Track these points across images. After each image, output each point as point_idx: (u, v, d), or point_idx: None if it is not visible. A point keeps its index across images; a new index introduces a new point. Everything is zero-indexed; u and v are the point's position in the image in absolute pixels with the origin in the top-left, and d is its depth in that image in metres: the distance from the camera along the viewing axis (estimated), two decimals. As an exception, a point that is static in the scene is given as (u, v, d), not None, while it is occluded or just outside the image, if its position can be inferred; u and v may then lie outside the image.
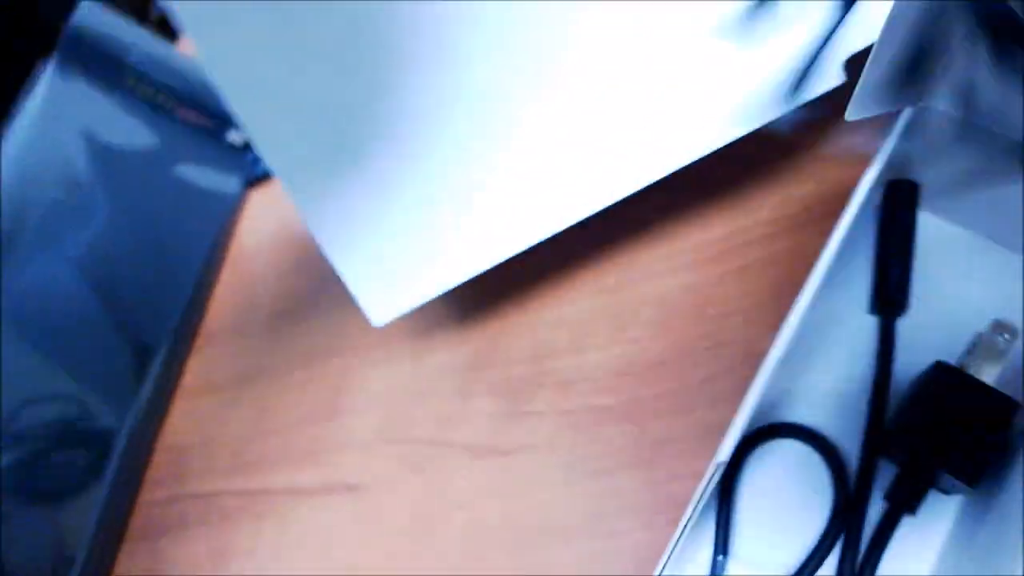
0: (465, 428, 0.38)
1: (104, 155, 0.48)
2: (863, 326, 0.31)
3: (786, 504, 0.30)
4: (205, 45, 0.31)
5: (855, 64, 0.28)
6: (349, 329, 0.44)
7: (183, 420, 0.46)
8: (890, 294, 0.30)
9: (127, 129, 0.51)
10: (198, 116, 0.55)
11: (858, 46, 0.29)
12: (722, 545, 0.30)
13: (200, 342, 0.49)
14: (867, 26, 0.29)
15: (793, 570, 0.28)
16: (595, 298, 0.38)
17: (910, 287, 0.30)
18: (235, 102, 0.31)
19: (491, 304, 0.40)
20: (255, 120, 0.32)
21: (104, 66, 0.49)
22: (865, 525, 0.28)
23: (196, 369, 0.48)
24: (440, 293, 0.34)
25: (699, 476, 0.32)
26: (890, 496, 0.27)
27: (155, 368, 0.46)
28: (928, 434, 0.26)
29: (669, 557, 0.25)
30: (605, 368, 0.36)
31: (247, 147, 0.53)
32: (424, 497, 0.37)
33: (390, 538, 0.37)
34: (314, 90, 0.32)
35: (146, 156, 0.51)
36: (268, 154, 0.32)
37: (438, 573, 0.35)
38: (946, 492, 0.27)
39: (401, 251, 0.34)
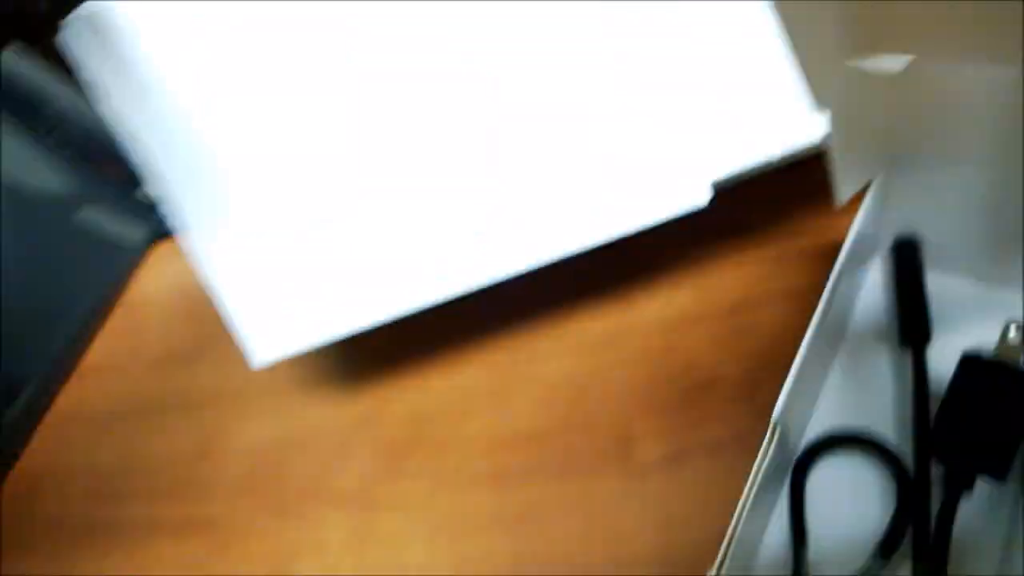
0: (338, 481, 0.39)
1: (11, 193, 0.49)
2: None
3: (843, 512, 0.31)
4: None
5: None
6: (234, 379, 0.44)
7: (47, 445, 0.45)
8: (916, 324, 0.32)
9: (38, 172, 0.52)
10: (113, 169, 0.56)
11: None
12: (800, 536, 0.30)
13: (79, 375, 0.48)
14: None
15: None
16: (482, 370, 0.40)
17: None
18: (140, 157, 0.34)
19: (376, 364, 0.42)
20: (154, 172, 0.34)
21: (23, 112, 0.51)
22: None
23: (70, 399, 0.47)
24: (325, 342, 0.35)
25: (559, 540, 0.34)
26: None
27: (24, 395, 0.46)
28: (960, 431, 0.28)
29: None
30: (483, 437, 0.38)
31: (157, 204, 0.55)
32: (282, 543, 0.38)
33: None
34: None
35: (53, 200, 0.52)
36: (164, 198, 0.34)
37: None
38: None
39: (292, 295, 0.36)
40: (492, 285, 0.35)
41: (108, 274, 0.52)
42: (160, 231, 0.54)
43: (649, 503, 0.35)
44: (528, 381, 0.40)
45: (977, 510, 0.29)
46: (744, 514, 0.28)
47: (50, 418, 0.47)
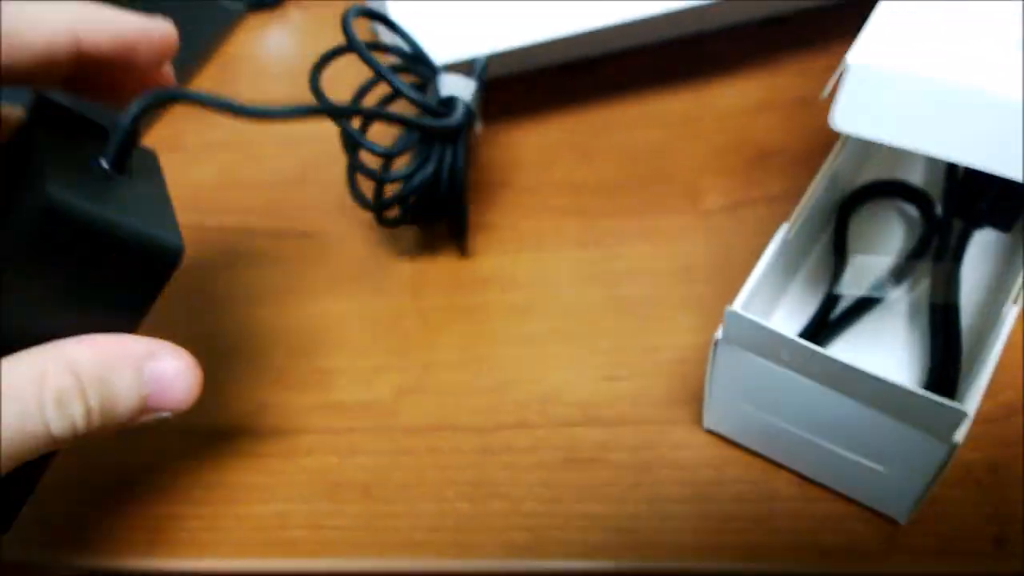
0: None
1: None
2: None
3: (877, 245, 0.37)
4: None
5: None
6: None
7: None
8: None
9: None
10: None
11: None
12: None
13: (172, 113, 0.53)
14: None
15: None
16: (566, 135, 0.46)
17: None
18: None
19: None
20: None
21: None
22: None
23: (165, 132, 0.51)
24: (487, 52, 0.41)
25: (633, 257, 0.40)
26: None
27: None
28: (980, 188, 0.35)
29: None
30: (567, 182, 0.44)
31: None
32: (378, 252, 0.43)
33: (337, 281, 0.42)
34: None
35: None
36: None
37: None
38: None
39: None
40: (582, 62, 0.41)
41: (208, 31, 0.56)
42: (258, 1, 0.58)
43: (712, 236, 0.41)
44: (609, 145, 0.45)
45: (982, 252, 0.36)
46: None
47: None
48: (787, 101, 0.45)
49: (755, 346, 0.27)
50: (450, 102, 0.37)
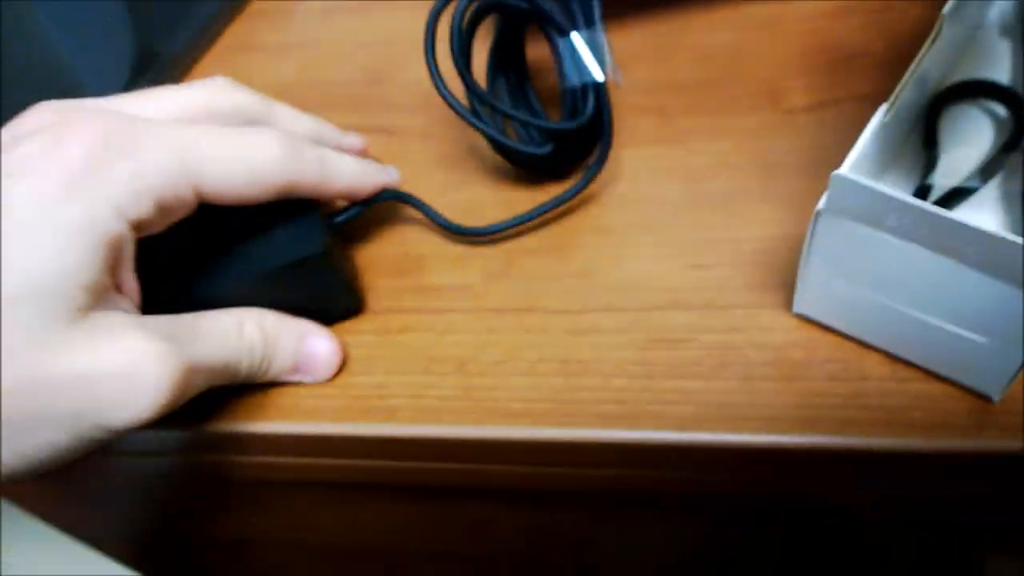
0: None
1: None
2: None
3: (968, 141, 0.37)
4: None
5: None
6: (408, 24, 0.49)
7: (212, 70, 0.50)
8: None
9: None
10: None
11: None
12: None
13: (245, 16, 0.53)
14: None
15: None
16: (645, 38, 0.46)
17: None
18: None
19: None
20: None
21: None
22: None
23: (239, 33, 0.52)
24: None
25: (713, 152, 0.40)
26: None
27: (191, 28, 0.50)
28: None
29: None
30: (645, 82, 0.44)
31: None
32: (458, 146, 0.43)
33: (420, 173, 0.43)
34: None
35: None
36: None
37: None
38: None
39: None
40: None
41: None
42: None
43: (796, 135, 0.41)
44: (688, 46, 0.46)
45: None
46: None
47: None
48: (870, 4, 0.45)
49: (861, 212, 0.27)
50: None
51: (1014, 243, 0.24)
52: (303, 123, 0.36)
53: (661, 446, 0.32)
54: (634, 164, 0.41)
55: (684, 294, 0.36)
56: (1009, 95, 0.37)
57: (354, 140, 0.39)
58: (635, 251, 0.37)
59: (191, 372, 0.28)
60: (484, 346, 0.35)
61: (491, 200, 0.41)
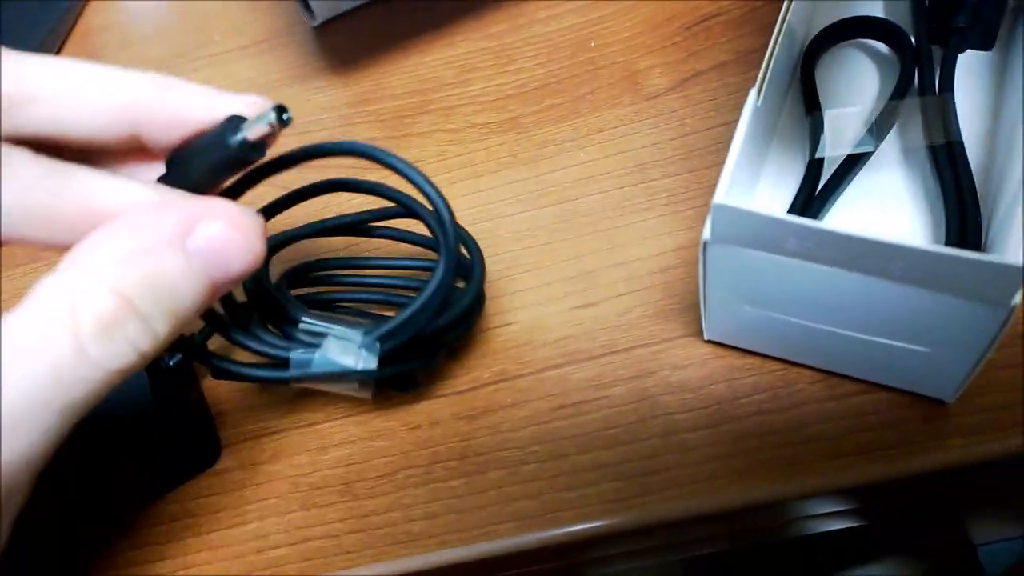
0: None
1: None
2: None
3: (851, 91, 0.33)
4: None
5: None
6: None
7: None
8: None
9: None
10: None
11: None
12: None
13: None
14: None
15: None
16: (481, 42, 0.41)
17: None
18: None
19: (370, 51, 0.42)
20: None
21: None
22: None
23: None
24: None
25: (579, 165, 0.35)
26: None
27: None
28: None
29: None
30: (490, 94, 0.39)
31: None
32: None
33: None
34: None
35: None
36: None
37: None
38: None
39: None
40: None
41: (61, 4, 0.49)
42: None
43: (664, 123, 0.36)
44: (529, 42, 0.40)
45: (968, 79, 0.32)
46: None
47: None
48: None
49: (752, 239, 0.23)
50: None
51: (943, 254, 0.20)
52: None
53: (588, 538, 0.27)
54: (496, 194, 0.36)
55: (580, 342, 0.31)
56: (888, 29, 0.33)
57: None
58: (516, 300, 0.33)
59: None
60: (369, 458, 0.30)
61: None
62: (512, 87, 0.39)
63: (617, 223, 0.33)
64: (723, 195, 0.23)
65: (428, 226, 0.26)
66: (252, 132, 0.22)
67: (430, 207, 0.26)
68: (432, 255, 0.32)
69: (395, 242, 0.32)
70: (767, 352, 0.28)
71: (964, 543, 0.41)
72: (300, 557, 0.29)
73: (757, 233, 0.23)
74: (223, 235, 0.22)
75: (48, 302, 0.20)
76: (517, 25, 0.41)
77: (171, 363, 0.30)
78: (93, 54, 0.47)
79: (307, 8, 0.42)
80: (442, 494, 0.29)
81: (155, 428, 0.29)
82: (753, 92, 0.27)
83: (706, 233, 0.24)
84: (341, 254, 0.34)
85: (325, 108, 0.41)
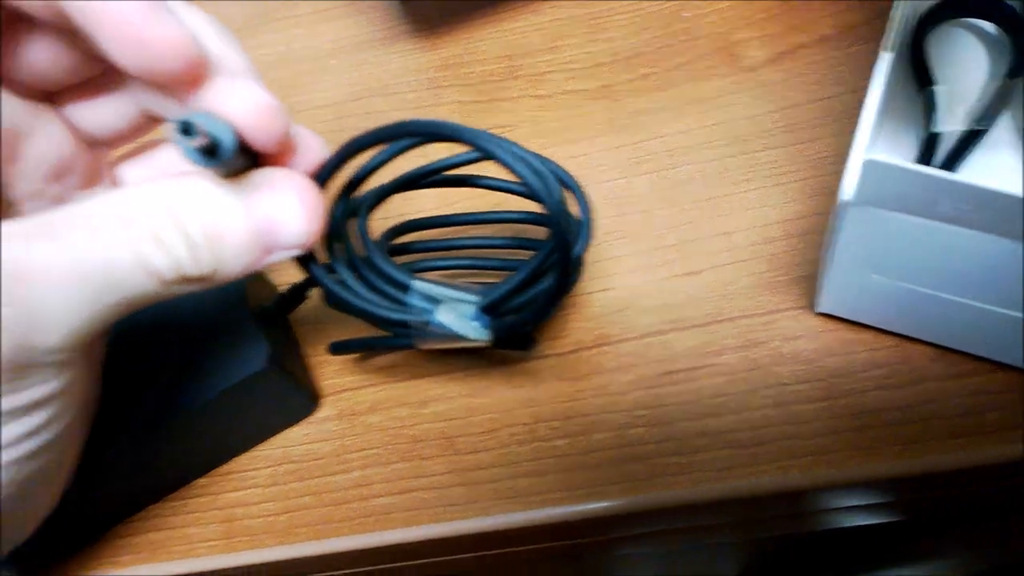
0: (435, 114, 0.39)
1: None
2: None
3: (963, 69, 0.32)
4: None
5: None
6: (303, 43, 0.43)
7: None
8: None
9: None
10: None
11: None
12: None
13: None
14: None
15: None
16: (570, 9, 0.40)
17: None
18: None
19: (458, 16, 0.41)
20: None
21: None
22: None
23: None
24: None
25: (676, 134, 0.35)
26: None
27: None
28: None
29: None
30: (581, 61, 0.39)
31: None
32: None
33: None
34: None
35: None
36: None
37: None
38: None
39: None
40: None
41: None
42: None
43: (763, 95, 0.36)
44: (619, 10, 0.40)
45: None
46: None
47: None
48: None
49: (901, 200, 0.23)
50: None
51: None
52: None
53: (695, 504, 0.27)
54: (592, 160, 0.35)
55: (684, 310, 0.31)
56: (1000, 9, 0.33)
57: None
58: (615, 266, 0.32)
59: (23, 282, 0.19)
60: (471, 414, 0.30)
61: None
62: (604, 55, 0.39)
63: (716, 193, 0.33)
64: (871, 151, 0.23)
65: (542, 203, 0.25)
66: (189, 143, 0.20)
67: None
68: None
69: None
70: (883, 326, 0.28)
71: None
72: (405, 507, 0.28)
73: (907, 194, 0.22)
74: (292, 204, 0.23)
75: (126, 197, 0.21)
76: (605, -8, 0.40)
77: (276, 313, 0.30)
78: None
79: (393, -30, 0.42)
80: (546, 453, 0.29)
81: (272, 383, 0.29)
82: (886, 55, 0.26)
83: (846, 194, 0.24)
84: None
85: (412, 71, 0.41)
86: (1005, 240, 0.22)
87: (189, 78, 0.21)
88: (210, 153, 0.20)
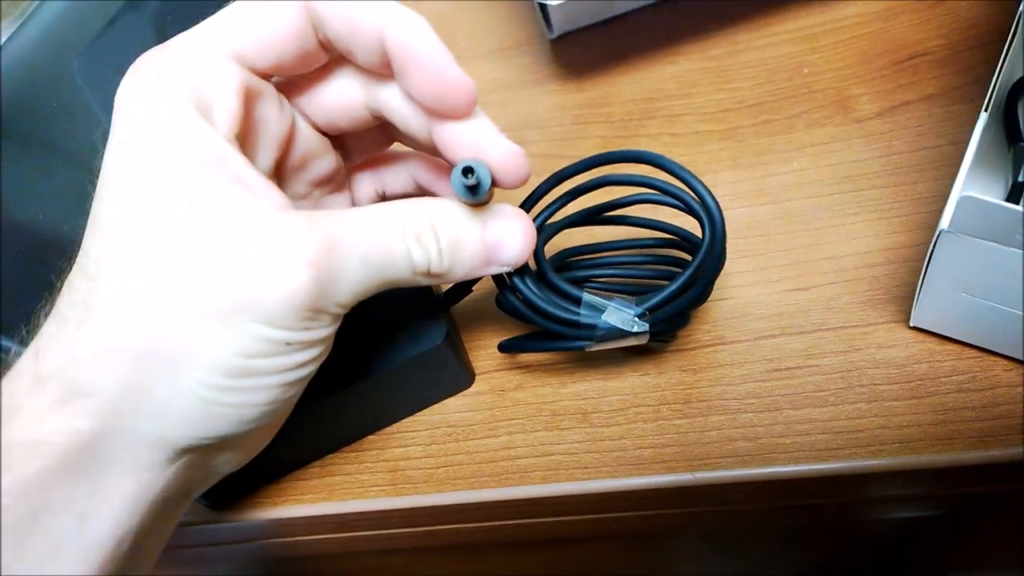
0: (575, 150, 0.45)
1: None
2: None
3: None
4: None
5: None
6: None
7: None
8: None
9: None
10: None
11: None
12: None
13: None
14: None
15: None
16: (701, 62, 0.46)
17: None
18: None
19: (601, 63, 0.48)
20: None
21: None
22: None
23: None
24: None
25: (792, 172, 0.40)
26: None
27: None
28: None
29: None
30: (710, 107, 0.45)
31: None
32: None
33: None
34: None
35: None
36: None
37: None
38: None
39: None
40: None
41: None
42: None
43: (871, 143, 0.41)
44: (746, 65, 0.46)
45: None
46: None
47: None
48: (917, 3, 0.45)
49: (987, 230, 0.28)
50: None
51: None
52: None
53: (799, 478, 0.32)
54: (717, 191, 0.41)
55: (793, 319, 0.36)
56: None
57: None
58: (735, 280, 0.38)
59: (334, 250, 0.25)
60: (603, 395, 0.35)
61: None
62: (731, 102, 0.44)
63: (827, 223, 0.38)
64: (966, 189, 0.28)
65: (696, 217, 0.32)
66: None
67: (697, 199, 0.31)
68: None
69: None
70: (968, 340, 0.33)
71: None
72: (544, 467, 0.34)
73: (993, 225, 0.27)
74: (515, 230, 0.29)
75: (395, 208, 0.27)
76: (736, 50, 0.46)
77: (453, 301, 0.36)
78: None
79: (547, 22, 0.49)
80: (668, 430, 0.34)
81: (442, 359, 0.35)
82: (984, 114, 0.31)
83: (944, 223, 0.29)
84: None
85: (559, 108, 0.47)
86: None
87: (466, 112, 0.27)
88: (472, 190, 0.27)
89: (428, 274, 0.28)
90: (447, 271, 0.28)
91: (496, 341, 0.37)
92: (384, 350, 0.34)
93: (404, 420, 0.37)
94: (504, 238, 0.29)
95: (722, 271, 0.36)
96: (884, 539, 0.42)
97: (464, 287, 0.35)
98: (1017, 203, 0.34)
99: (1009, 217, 0.27)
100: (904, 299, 0.34)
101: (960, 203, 0.27)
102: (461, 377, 0.37)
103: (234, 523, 0.36)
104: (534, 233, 0.30)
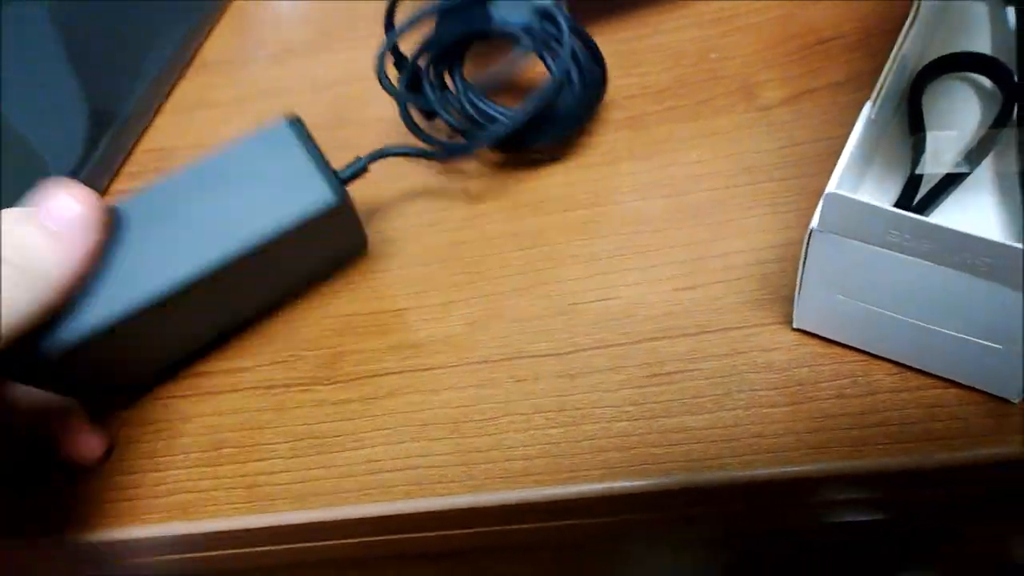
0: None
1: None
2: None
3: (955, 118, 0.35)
4: None
5: None
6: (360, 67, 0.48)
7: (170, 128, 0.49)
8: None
9: None
10: None
11: None
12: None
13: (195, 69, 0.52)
14: None
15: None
16: (611, 46, 0.44)
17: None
18: None
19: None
20: None
21: None
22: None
23: (188, 91, 0.50)
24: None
25: (692, 163, 0.39)
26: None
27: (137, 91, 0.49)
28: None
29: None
30: (618, 92, 0.42)
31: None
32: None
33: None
34: None
35: None
36: None
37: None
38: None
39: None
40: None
41: None
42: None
43: (775, 133, 0.39)
44: (653, 50, 0.44)
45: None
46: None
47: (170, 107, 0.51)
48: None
49: (857, 229, 0.26)
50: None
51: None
52: None
53: (666, 491, 0.30)
54: (613, 182, 0.39)
55: (677, 320, 0.34)
56: (993, 65, 0.35)
57: None
58: (622, 278, 0.36)
59: None
60: (477, 402, 0.33)
61: (470, 240, 0.39)
62: (635, 89, 0.42)
63: (722, 218, 0.36)
64: (835, 182, 0.26)
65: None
66: None
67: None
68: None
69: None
70: (850, 343, 0.31)
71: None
72: (407, 482, 0.32)
73: (862, 223, 0.25)
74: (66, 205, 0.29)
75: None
76: (643, 34, 0.44)
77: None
78: (245, 43, 0.52)
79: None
80: (539, 440, 0.32)
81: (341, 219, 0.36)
82: (868, 104, 0.29)
83: (814, 222, 0.27)
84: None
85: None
86: (947, 268, 0.25)
87: None
88: None
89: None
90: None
91: (369, 343, 0.36)
92: (275, 212, 0.33)
93: (264, 432, 0.35)
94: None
95: (611, 269, 0.35)
96: (774, 550, 0.41)
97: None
98: (913, 196, 0.32)
99: (878, 216, 0.25)
100: (791, 299, 0.32)
101: (826, 200, 0.25)
102: (357, 238, 0.37)
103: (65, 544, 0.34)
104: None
